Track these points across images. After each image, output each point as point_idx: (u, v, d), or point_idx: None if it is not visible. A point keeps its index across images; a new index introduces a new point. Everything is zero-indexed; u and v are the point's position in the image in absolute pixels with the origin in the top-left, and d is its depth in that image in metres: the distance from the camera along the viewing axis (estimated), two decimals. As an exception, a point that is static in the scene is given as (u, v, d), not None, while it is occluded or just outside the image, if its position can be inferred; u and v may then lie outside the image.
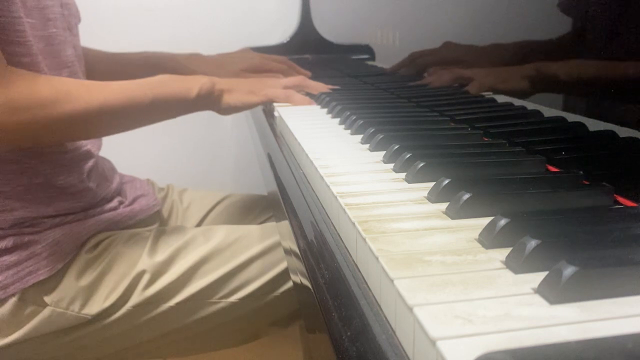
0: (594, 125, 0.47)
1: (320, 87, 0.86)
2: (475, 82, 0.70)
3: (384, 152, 0.52)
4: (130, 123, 0.73)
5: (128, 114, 0.70)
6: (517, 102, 0.60)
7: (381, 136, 0.56)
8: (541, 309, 0.25)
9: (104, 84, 0.69)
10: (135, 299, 0.72)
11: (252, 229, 0.80)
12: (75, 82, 0.69)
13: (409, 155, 0.48)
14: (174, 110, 0.75)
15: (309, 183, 0.52)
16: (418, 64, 0.85)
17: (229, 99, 0.77)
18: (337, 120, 0.70)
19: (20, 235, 0.68)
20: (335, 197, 0.41)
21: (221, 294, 0.74)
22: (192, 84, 0.74)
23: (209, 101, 0.76)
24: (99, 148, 0.83)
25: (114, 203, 0.80)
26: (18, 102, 0.61)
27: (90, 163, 0.77)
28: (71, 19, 0.77)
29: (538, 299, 0.26)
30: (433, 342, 0.23)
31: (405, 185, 0.44)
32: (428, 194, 0.41)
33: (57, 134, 0.67)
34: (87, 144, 0.77)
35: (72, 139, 0.72)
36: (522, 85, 0.59)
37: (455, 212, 0.37)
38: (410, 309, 0.26)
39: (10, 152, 0.68)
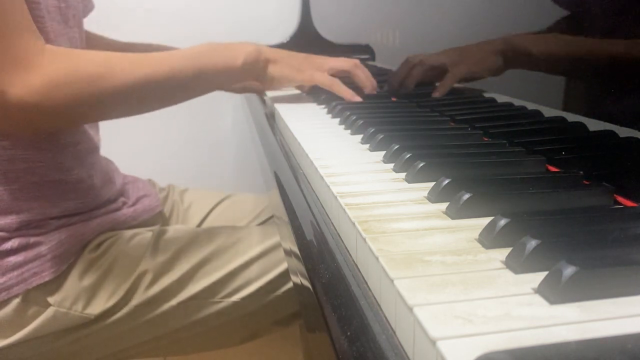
0: (594, 125, 0.47)
1: (368, 82, 0.81)
2: (451, 71, 0.71)
3: (384, 152, 0.52)
4: (176, 96, 0.71)
5: (173, 86, 0.68)
6: (517, 102, 0.60)
7: (381, 136, 0.56)
8: (541, 309, 0.25)
9: (147, 56, 0.67)
10: (138, 298, 0.72)
11: (253, 230, 0.80)
12: (118, 55, 0.67)
13: (409, 155, 0.48)
14: (220, 80, 0.72)
15: (309, 183, 0.52)
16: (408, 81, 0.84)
17: (273, 70, 0.74)
18: (337, 120, 0.70)
19: (26, 236, 0.68)
20: (335, 197, 0.41)
21: (222, 294, 0.74)
22: (238, 52, 0.71)
23: (254, 71, 0.73)
24: (99, 141, 0.82)
25: (118, 204, 0.81)
26: (61, 78, 0.60)
27: (95, 156, 0.77)
28: (69, 11, 0.75)
29: (538, 299, 0.26)
30: (433, 342, 0.23)
31: (405, 185, 0.44)
32: (428, 194, 0.41)
33: (103, 109, 0.66)
34: (93, 138, 0.77)
35: (118, 115, 0.70)
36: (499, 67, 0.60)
37: (455, 212, 0.37)
38: (410, 309, 0.26)
39: (23, 149, 0.68)
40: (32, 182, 0.68)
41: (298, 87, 0.81)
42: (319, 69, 0.78)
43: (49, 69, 0.60)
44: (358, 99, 0.78)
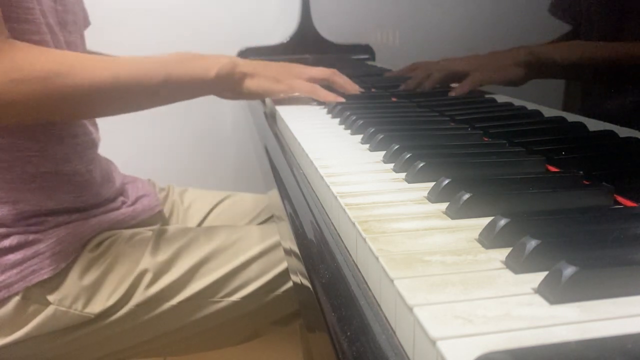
0: (594, 125, 0.47)
1: (349, 85, 0.80)
2: (470, 76, 0.70)
3: (384, 152, 0.52)
4: (142, 102, 0.70)
5: (138, 92, 0.67)
6: (517, 102, 0.60)
7: (381, 136, 0.56)
8: (541, 309, 0.25)
9: (114, 59, 0.67)
10: (138, 298, 0.72)
11: (253, 229, 0.80)
12: (82, 56, 0.67)
13: (409, 155, 0.48)
14: (190, 90, 0.71)
15: (309, 183, 0.52)
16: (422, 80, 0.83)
17: (250, 84, 0.73)
18: (337, 120, 0.70)
19: (25, 233, 0.68)
20: (335, 197, 0.41)
21: (222, 293, 0.74)
22: (211, 64, 0.70)
23: (229, 84, 0.72)
24: (99, 137, 0.82)
25: (117, 203, 0.81)
26: (19, 73, 0.59)
27: (94, 152, 0.77)
28: (67, 15, 0.76)
29: (538, 299, 0.26)
30: (433, 342, 0.23)
31: (405, 185, 0.44)
32: (428, 194, 0.41)
33: (62, 108, 0.65)
34: (92, 133, 0.77)
35: (80, 116, 0.69)
36: (516, 75, 0.59)
37: (455, 212, 0.37)
38: (410, 309, 0.26)
39: (16, 138, 0.67)
40: (27, 173, 0.68)
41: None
42: (297, 77, 0.77)
43: (5, 63, 0.59)
44: (341, 99, 0.77)
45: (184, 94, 0.72)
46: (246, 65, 0.73)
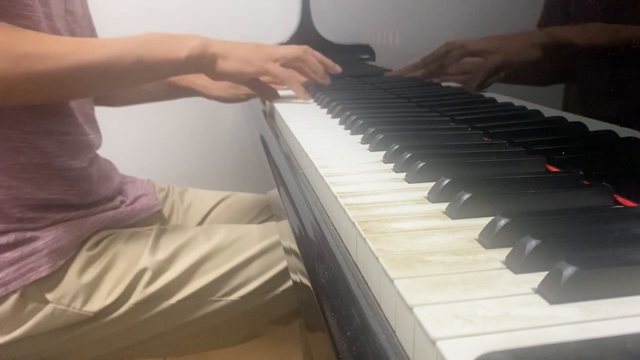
0: (594, 125, 0.47)
1: (320, 65, 0.80)
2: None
3: (384, 152, 0.52)
4: (114, 83, 0.71)
5: (109, 74, 0.67)
6: (517, 102, 0.60)
7: (381, 136, 0.56)
8: (541, 309, 0.25)
9: (84, 41, 0.67)
10: (137, 296, 0.72)
11: (253, 229, 0.80)
12: (53, 38, 0.66)
13: (409, 155, 0.48)
14: (161, 71, 0.71)
15: (309, 183, 0.52)
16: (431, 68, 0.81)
17: (223, 65, 0.73)
18: (337, 120, 0.70)
19: (22, 231, 0.68)
20: (335, 197, 0.41)
21: (222, 292, 0.74)
22: (182, 44, 0.70)
23: (201, 64, 0.72)
24: (100, 142, 0.82)
25: (116, 202, 0.81)
26: None
27: (90, 151, 0.77)
28: (75, 27, 0.77)
29: (538, 299, 0.26)
30: (433, 342, 0.23)
31: (405, 185, 0.44)
32: (428, 194, 0.41)
33: (33, 90, 0.64)
34: (89, 134, 0.77)
35: (52, 98, 0.69)
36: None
37: (455, 212, 0.37)
38: (410, 309, 0.26)
39: (7, 129, 0.67)
40: (20, 163, 0.68)
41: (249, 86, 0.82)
42: (271, 59, 0.77)
43: None
44: (308, 98, 0.79)
45: (156, 74, 0.73)
46: (218, 45, 0.73)
